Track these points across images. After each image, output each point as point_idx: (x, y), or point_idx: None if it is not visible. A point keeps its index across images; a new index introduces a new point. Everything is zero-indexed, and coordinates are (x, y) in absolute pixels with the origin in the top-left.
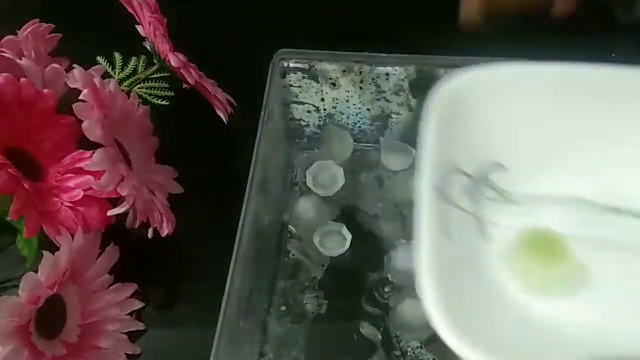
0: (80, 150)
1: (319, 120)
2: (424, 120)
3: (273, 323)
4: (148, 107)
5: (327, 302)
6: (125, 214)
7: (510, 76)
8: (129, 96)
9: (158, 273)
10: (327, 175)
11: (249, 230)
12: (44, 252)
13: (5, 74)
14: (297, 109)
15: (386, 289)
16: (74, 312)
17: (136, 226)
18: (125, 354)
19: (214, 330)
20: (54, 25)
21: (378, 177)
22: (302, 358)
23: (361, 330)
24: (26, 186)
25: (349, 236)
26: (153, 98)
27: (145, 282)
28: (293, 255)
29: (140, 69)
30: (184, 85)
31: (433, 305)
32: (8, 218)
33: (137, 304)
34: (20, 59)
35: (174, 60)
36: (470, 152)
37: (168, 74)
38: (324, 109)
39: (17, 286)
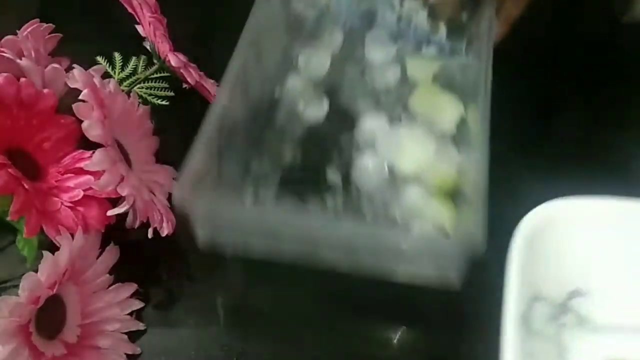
0: (80, 150)
1: (313, 14)
2: (510, 249)
3: (254, 163)
4: (148, 107)
5: (302, 153)
6: (125, 214)
7: (590, 209)
8: (129, 96)
9: (158, 273)
10: (316, 60)
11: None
12: (44, 252)
13: (5, 74)
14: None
15: (353, 148)
16: (74, 312)
17: (136, 226)
18: (125, 354)
19: (214, 330)
20: (54, 26)
21: (361, 67)
22: (274, 191)
23: (327, 175)
24: (26, 186)
25: (327, 106)
26: (153, 98)
27: (145, 282)
28: (279, 121)
29: (140, 69)
30: (184, 85)
31: None
32: (8, 218)
33: (137, 304)
34: (20, 59)
35: (174, 60)
36: (553, 279)
37: (168, 74)
38: (319, 4)
39: (17, 286)
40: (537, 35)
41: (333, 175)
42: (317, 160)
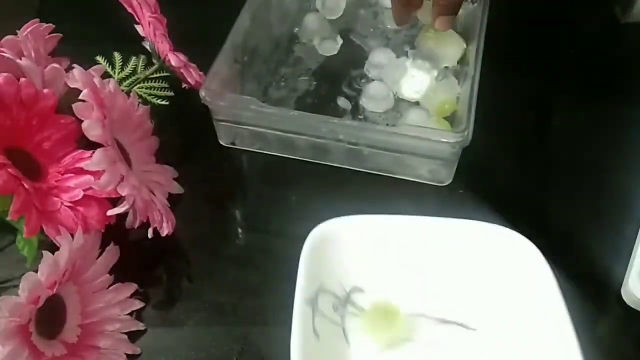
0: (80, 150)
1: None
2: (302, 254)
3: (272, 88)
4: (148, 107)
5: (315, 83)
6: (125, 214)
7: (354, 226)
8: (128, 96)
9: (158, 273)
10: (333, 2)
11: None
12: (44, 252)
13: (5, 74)
14: None
15: (362, 80)
16: (74, 312)
17: (136, 226)
18: (125, 354)
19: (214, 330)
20: (54, 25)
21: (374, 11)
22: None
23: (338, 102)
24: (26, 186)
25: (340, 41)
26: (153, 98)
27: (145, 282)
28: (297, 53)
29: (140, 68)
30: (184, 85)
31: None
32: (8, 218)
33: (137, 304)
34: (20, 59)
35: (174, 59)
36: (337, 278)
37: (168, 74)
38: None
39: (17, 286)
40: (538, 37)
41: (343, 103)
42: (330, 90)
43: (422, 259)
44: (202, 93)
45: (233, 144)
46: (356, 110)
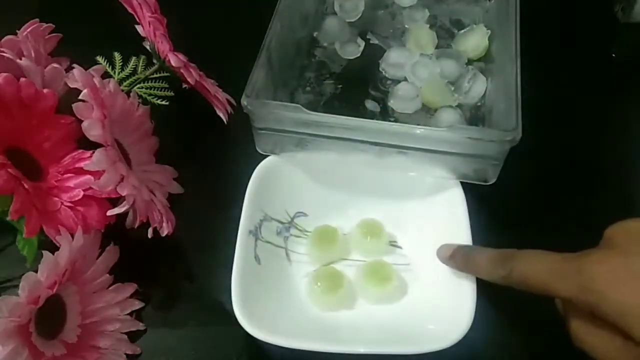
0: (80, 150)
1: None
2: (246, 192)
3: (298, 93)
4: (148, 107)
5: (341, 87)
6: (125, 214)
7: (293, 160)
8: (129, 96)
9: (158, 273)
10: (351, 4)
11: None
12: (44, 252)
13: (5, 74)
14: None
15: (388, 82)
16: (74, 312)
17: (136, 226)
18: (125, 354)
19: (214, 329)
20: (54, 25)
21: (392, 12)
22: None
23: (366, 104)
24: (26, 186)
25: (362, 43)
26: (153, 98)
27: (145, 282)
28: (319, 57)
29: (140, 69)
30: (184, 85)
31: (238, 306)
32: (8, 218)
33: (137, 304)
34: (20, 59)
35: (174, 60)
36: (282, 205)
37: (168, 74)
38: None
39: (17, 286)
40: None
41: (372, 105)
42: (356, 92)
43: (358, 190)
44: (244, 102)
45: (272, 152)
46: (385, 112)
